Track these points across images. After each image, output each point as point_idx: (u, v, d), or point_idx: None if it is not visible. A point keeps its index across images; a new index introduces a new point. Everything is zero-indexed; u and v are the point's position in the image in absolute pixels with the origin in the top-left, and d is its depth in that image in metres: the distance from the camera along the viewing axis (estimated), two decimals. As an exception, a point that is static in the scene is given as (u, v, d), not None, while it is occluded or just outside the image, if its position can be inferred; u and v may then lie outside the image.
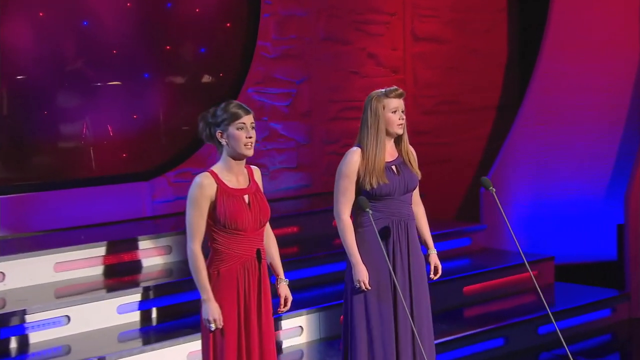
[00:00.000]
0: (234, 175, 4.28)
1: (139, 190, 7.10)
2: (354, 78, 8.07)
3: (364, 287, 4.64)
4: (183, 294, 5.89)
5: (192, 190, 4.22)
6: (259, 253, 4.29)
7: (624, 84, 8.15)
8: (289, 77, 7.82)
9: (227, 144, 4.25)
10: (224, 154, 4.28)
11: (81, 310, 5.62)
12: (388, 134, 4.69)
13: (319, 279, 6.51)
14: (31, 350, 5.38)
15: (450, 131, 8.59)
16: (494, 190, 4.62)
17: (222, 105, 4.30)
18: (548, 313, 4.35)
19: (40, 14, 6.93)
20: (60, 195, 6.77)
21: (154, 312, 5.88)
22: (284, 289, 4.45)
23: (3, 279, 5.86)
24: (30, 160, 6.93)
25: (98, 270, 6.17)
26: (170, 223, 6.82)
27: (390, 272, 4.62)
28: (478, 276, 6.99)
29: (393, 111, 4.68)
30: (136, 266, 6.31)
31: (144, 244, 6.35)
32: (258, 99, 7.66)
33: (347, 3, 8.03)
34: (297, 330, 6.06)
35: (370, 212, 4.59)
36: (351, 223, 4.68)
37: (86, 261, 6.13)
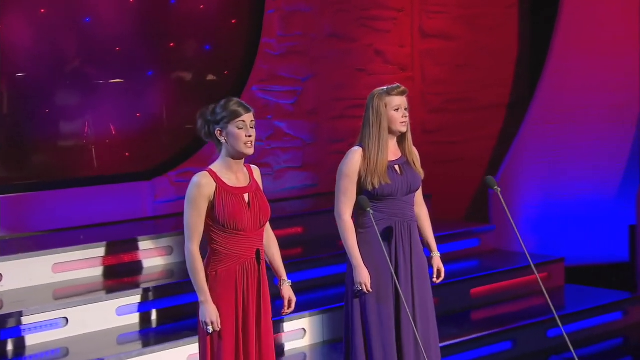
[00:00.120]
0: (233, 173, 4.25)
1: (140, 189, 7.09)
2: (360, 75, 8.04)
3: (365, 290, 4.61)
4: (183, 295, 5.86)
5: (190, 190, 4.19)
6: (258, 254, 4.25)
7: (637, 81, 8.10)
8: (294, 74, 7.80)
9: (227, 142, 4.21)
10: (223, 152, 4.25)
11: (79, 311, 5.59)
12: (391, 132, 4.66)
13: (323, 280, 6.50)
14: (28, 352, 5.34)
15: (459, 130, 8.55)
16: (499, 189, 4.61)
17: (222, 102, 4.26)
18: (555, 316, 4.29)
19: (42, 11, 6.91)
20: (60, 194, 6.76)
21: (154, 314, 5.86)
22: (288, 290, 4.41)
23: (0, 279, 5.83)
24: (30, 159, 6.92)
25: (97, 271, 6.15)
26: (172, 223, 6.81)
27: (392, 275, 4.59)
28: (486, 278, 6.96)
29: (395, 109, 4.65)
30: (136, 267, 6.29)
31: (145, 245, 6.33)
32: (262, 97, 7.64)
33: (353, -2, 8.01)
34: (300, 332, 6.03)
35: (371, 211, 4.56)
36: (352, 223, 4.66)
37: (85, 262, 6.11)
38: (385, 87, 4.67)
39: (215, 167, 4.24)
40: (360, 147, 4.65)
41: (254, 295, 4.24)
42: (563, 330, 4.37)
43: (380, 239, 4.56)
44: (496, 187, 4.61)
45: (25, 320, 5.39)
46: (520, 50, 8.79)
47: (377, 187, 4.59)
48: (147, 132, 7.29)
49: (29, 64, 6.82)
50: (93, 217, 6.80)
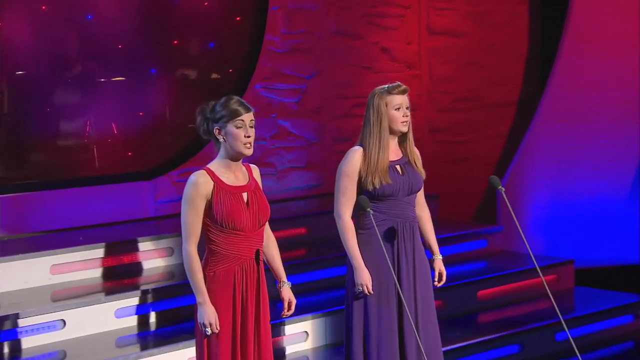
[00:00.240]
0: (231, 172, 4.22)
1: (141, 189, 7.07)
2: (366, 73, 8.01)
3: (366, 291, 4.58)
4: (183, 297, 5.82)
5: (187, 189, 4.18)
6: (257, 254, 4.22)
7: (649, 79, 8.04)
8: (299, 72, 7.77)
9: (225, 142, 4.18)
10: (222, 151, 4.23)
11: (77, 314, 5.56)
12: (392, 132, 4.63)
13: (326, 282, 6.46)
14: (24, 355, 5.31)
15: (467, 129, 8.52)
16: (503, 189, 4.58)
17: (222, 100, 4.23)
18: (560, 320, 4.22)
19: (42, 8, 6.89)
20: (60, 194, 6.74)
21: (153, 316, 5.83)
22: (287, 292, 4.39)
23: (-2, 280, 5.82)
24: (30, 158, 6.92)
25: (96, 272, 6.12)
26: (173, 224, 6.78)
27: (393, 277, 4.55)
28: (494, 280, 6.91)
29: (396, 108, 4.61)
30: (136, 268, 6.26)
31: (145, 246, 6.30)
32: (266, 95, 7.62)
33: (358, -5, 8.01)
34: (302, 335, 5.99)
35: (371, 211, 4.52)
36: (352, 224, 4.63)
37: (84, 263, 6.07)
38: (386, 86, 4.65)
39: (213, 165, 4.20)
40: (361, 146, 4.63)
41: (253, 296, 4.21)
42: (569, 334, 4.33)
43: (382, 240, 4.53)
44: (500, 187, 4.58)
45: (22, 322, 5.35)
46: (530, 48, 8.73)
47: (377, 187, 4.56)
48: (148, 131, 7.27)
49: (30, 62, 6.81)
50: (93, 217, 6.78)
